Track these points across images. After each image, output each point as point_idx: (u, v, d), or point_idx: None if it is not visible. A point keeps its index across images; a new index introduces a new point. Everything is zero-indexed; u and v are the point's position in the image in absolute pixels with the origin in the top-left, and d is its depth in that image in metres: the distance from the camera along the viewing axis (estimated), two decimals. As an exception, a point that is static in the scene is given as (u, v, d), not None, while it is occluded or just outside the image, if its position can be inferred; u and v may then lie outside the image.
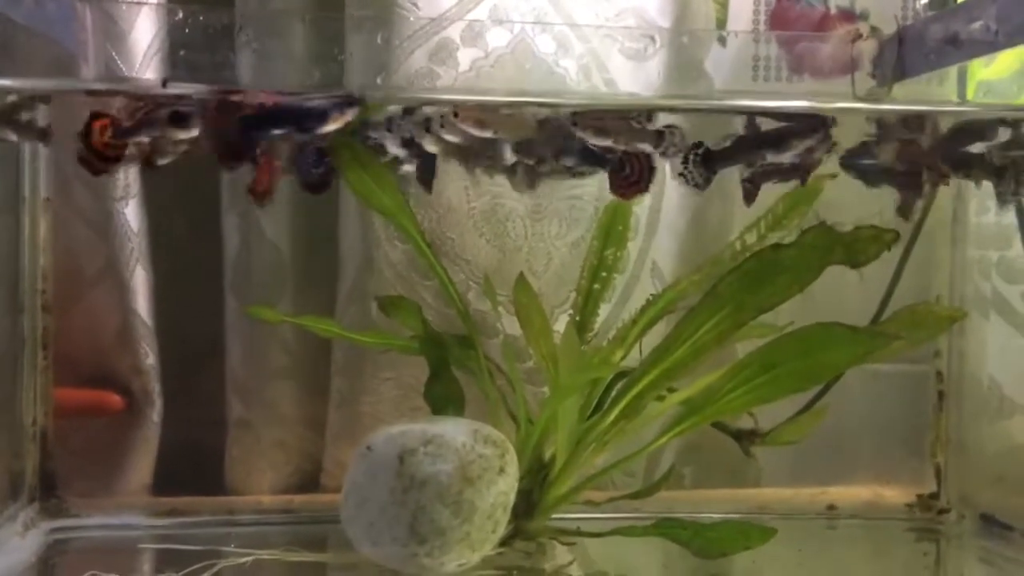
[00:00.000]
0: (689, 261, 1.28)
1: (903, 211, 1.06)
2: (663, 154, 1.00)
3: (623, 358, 1.08)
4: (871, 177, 1.07)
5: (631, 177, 1.00)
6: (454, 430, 0.96)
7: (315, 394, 1.28)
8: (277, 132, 0.97)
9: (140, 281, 1.22)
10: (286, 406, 1.28)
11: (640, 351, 1.08)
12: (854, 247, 0.89)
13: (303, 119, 0.96)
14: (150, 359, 1.23)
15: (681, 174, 1.00)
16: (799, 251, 0.90)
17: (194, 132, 0.96)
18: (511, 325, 1.18)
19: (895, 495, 1.29)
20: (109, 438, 1.24)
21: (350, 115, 0.96)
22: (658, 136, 0.99)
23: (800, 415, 1.15)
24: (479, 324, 1.21)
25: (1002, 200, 1.04)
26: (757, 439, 1.13)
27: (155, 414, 1.24)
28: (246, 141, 0.97)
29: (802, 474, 1.30)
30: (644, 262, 1.29)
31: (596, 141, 0.98)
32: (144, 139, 0.99)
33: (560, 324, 1.21)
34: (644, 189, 1.00)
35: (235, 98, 0.96)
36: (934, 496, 1.30)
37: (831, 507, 1.27)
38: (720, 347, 0.96)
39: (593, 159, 1.01)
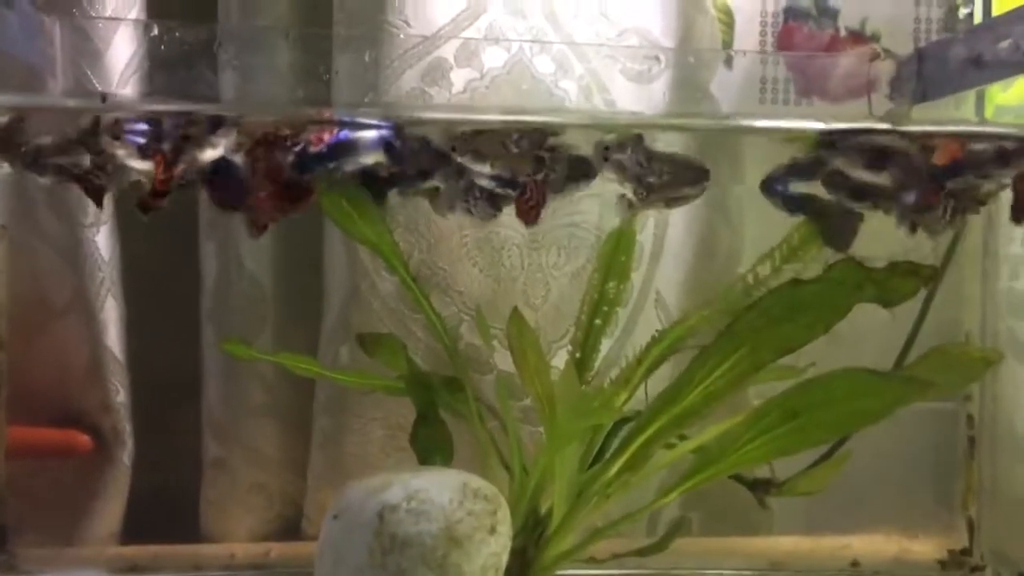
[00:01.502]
0: (695, 292, 1.20)
1: (834, 243, 0.95)
2: (544, 181, 0.93)
3: (627, 401, 0.99)
4: (791, 204, 0.97)
5: (530, 201, 0.93)
6: (440, 484, 0.87)
7: (297, 434, 1.21)
8: (332, 165, 0.89)
9: (111, 313, 1.15)
10: (266, 446, 1.21)
11: (646, 393, 0.99)
12: (887, 285, 0.78)
13: (360, 151, 0.89)
14: (121, 396, 1.16)
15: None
16: (824, 288, 0.80)
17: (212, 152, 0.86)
18: (506, 361, 1.10)
19: (924, 550, 1.19)
20: (74, 482, 1.16)
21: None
22: (537, 161, 0.91)
23: (820, 463, 1.03)
24: (472, 360, 1.14)
25: (931, 231, 0.93)
26: (773, 489, 1.01)
27: (126, 455, 1.16)
28: (306, 180, 0.88)
29: (818, 522, 1.21)
30: (648, 293, 1.21)
31: (474, 166, 0.90)
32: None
33: (559, 360, 1.13)
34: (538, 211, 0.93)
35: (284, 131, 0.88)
36: (966, 552, 1.19)
37: (855, 564, 1.14)
38: (735, 392, 0.84)
39: (506, 183, 0.93)
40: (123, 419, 1.15)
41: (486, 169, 0.89)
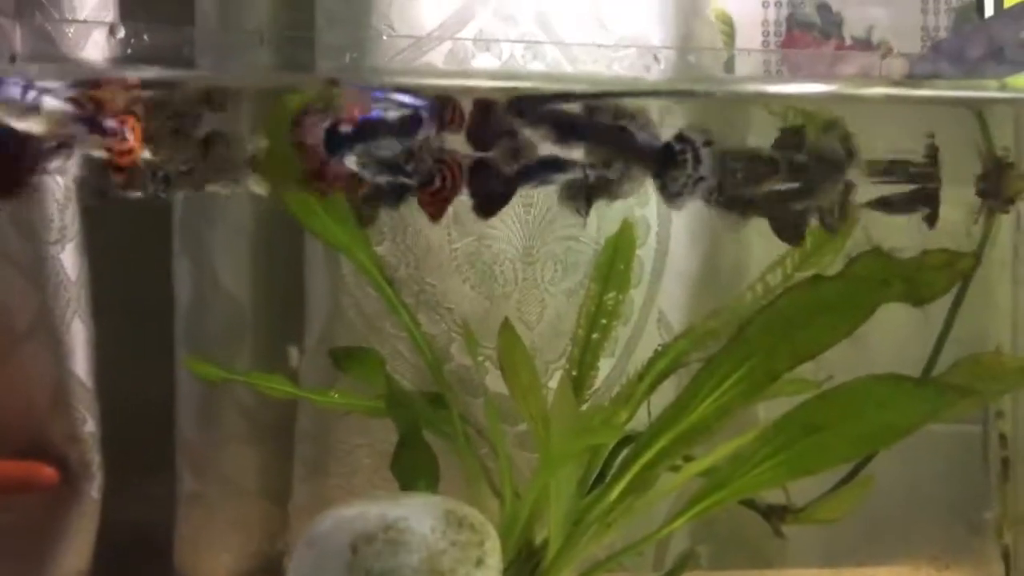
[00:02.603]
0: (700, 311, 1.10)
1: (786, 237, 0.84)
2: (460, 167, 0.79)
3: (628, 420, 0.91)
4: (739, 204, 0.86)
5: (443, 191, 0.79)
6: (421, 511, 0.78)
7: (278, 464, 1.12)
8: (368, 144, 0.78)
9: (78, 336, 1.06)
10: (244, 478, 1.12)
11: (649, 412, 0.90)
12: (918, 279, 0.68)
13: (396, 128, 0.78)
14: (89, 425, 1.07)
15: None
16: (846, 285, 0.71)
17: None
18: (499, 384, 0.99)
19: (956, 583, 1.06)
20: (38, 518, 1.06)
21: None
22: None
23: (840, 487, 0.92)
24: (464, 381, 1.06)
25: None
26: (789, 516, 0.91)
27: (94, 489, 1.07)
28: (336, 161, 0.77)
29: (837, 553, 1.11)
30: (650, 312, 1.13)
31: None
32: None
33: (556, 382, 1.04)
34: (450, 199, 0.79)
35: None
36: (1003, 583, 1.10)
37: (880, 598, 1.03)
38: (747, 405, 0.74)
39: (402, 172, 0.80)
40: (91, 450, 1.06)
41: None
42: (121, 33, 0.94)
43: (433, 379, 0.95)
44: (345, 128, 0.77)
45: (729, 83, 0.92)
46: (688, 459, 0.88)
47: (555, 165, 0.78)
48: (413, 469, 0.89)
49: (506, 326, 0.90)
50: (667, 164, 0.76)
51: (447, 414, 0.90)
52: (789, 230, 0.82)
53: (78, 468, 1.06)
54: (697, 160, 0.76)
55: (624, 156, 0.77)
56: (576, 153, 0.79)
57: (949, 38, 1.11)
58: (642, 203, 1.10)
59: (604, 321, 0.98)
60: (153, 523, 1.10)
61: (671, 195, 0.77)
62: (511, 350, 0.88)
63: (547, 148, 0.79)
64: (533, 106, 0.76)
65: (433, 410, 0.92)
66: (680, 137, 0.76)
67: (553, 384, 1.03)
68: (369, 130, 0.77)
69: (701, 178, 0.76)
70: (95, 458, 1.06)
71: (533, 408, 0.87)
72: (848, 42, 1.25)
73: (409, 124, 0.78)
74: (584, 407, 0.96)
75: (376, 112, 0.79)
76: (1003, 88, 0.90)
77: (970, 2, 1.20)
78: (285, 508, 1.11)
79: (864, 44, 1.25)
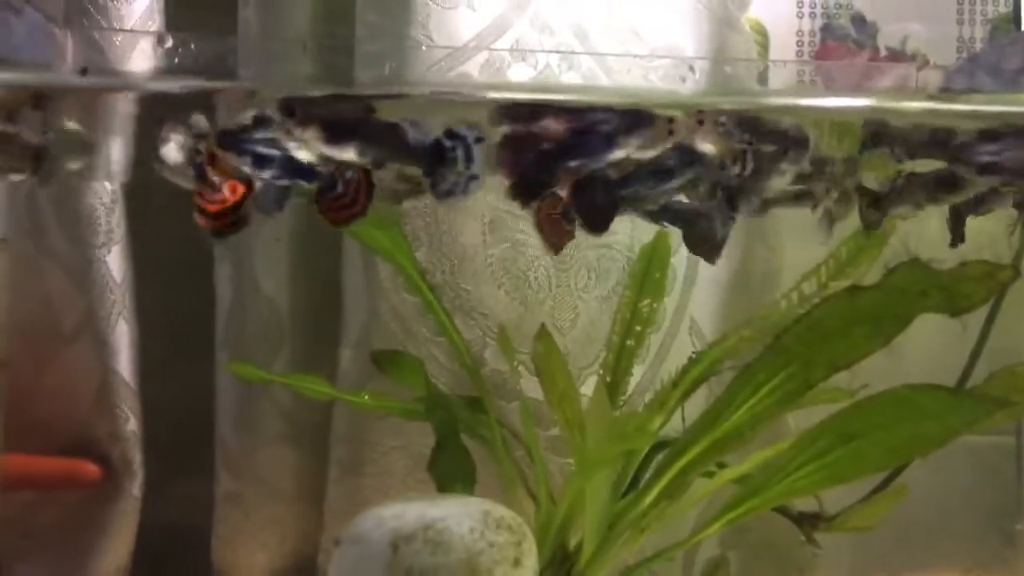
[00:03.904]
0: (731, 319, 1.11)
1: (701, 251, 0.80)
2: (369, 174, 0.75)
3: (663, 426, 0.91)
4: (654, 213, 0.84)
5: (344, 198, 0.74)
6: (460, 513, 0.79)
7: (314, 465, 1.12)
8: (573, 164, 0.75)
9: (122, 337, 1.07)
10: (281, 479, 1.12)
11: (683, 418, 0.91)
12: (956, 290, 0.68)
13: (596, 146, 0.74)
14: (131, 424, 1.08)
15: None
16: (884, 296, 0.70)
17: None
18: (532, 389, 1.02)
19: (987, 592, 1.05)
20: (80, 514, 1.07)
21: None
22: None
23: (873, 495, 0.92)
24: (497, 387, 1.05)
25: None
26: (822, 524, 0.90)
27: (135, 486, 1.08)
28: (545, 176, 0.74)
29: (867, 561, 1.10)
30: (682, 319, 1.12)
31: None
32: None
33: (588, 387, 1.04)
34: (362, 213, 0.73)
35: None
36: (1037, 595, 1.07)
37: (916, 612, 1.03)
38: (783, 413, 0.74)
39: (298, 173, 0.74)
40: (133, 448, 1.07)
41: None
42: (169, 42, 0.95)
43: (471, 382, 0.95)
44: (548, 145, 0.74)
45: (768, 96, 0.92)
46: (721, 466, 0.88)
47: (661, 174, 0.74)
48: (451, 471, 0.90)
49: (543, 332, 0.90)
50: (438, 162, 0.71)
51: (485, 418, 0.91)
52: (702, 244, 0.78)
53: (120, 466, 1.07)
54: (469, 157, 0.70)
55: (396, 154, 0.72)
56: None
57: (985, 49, 1.10)
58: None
59: (639, 328, 0.98)
60: (191, 521, 1.11)
61: (442, 193, 0.71)
62: (548, 356, 0.88)
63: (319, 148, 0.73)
64: (303, 107, 0.70)
65: (470, 413, 0.93)
66: (450, 133, 0.70)
67: (585, 389, 1.03)
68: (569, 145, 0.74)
69: (474, 176, 0.70)
70: (136, 456, 1.07)
71: (569, 413, 0.88)
72: (883, 53, 1.23)
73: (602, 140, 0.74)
74: (617, 413, 0.96)
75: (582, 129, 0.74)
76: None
77: (1006, 13, 1.19)
78: (320, 509, 1.11)
79: (899, 55, 1.24)
